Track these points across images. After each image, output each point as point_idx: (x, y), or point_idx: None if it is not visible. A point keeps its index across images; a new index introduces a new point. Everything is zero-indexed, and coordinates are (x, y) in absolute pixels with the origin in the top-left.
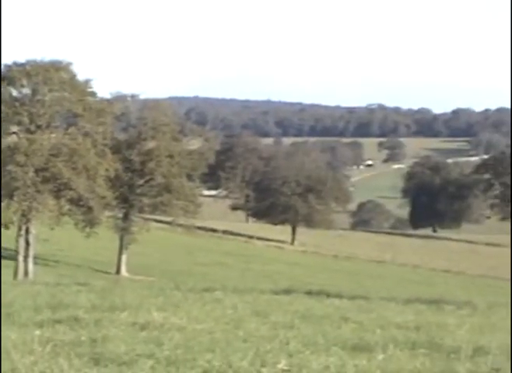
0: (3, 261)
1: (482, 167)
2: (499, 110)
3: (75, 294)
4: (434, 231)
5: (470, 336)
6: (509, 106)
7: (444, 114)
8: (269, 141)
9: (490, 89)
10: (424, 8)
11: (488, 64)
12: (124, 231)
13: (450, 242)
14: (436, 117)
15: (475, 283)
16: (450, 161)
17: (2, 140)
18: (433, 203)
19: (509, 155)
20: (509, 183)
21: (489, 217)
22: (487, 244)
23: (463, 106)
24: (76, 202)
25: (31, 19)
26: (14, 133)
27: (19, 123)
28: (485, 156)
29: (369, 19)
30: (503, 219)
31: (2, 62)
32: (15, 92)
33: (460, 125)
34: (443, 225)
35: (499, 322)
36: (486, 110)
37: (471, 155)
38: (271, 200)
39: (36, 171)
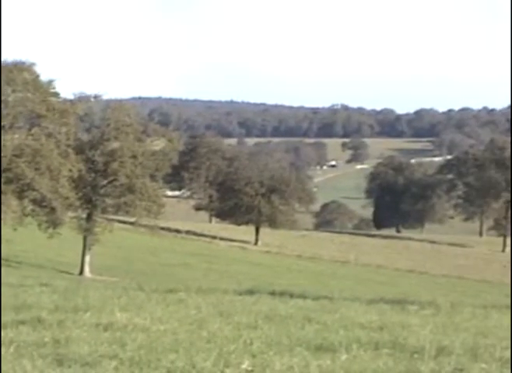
0: None
1: (445, 167)
2: (463, 111)
3: (38, 295)
4: (398, 231)
5: (433, 336)
6: (472, 107)
7: (407, 114)
8: (233, 141)
9: (453, 90)
10: (386, 7)
11: (451, 64)
12: (87, 231)
13: (413, 242)
14: (399, 118)
15: (439, 283)
16: (413, 161)
17: None
18: (396, 203)
19: (472, 156)
20: (472, 182)
21: (452, 218)
22: (450, 244)
23: (426, 106)
24: (39, 203)
25: None
26: None
27: None
28: (449, 156)
29: (331, 18)
30: (467, 219)
31: None
32: None
33: (423, 125)
34: (407, 225)
35: (462, 322)
36: (449, 111)
37: (435, 156)
38: (235, 201)
39: None
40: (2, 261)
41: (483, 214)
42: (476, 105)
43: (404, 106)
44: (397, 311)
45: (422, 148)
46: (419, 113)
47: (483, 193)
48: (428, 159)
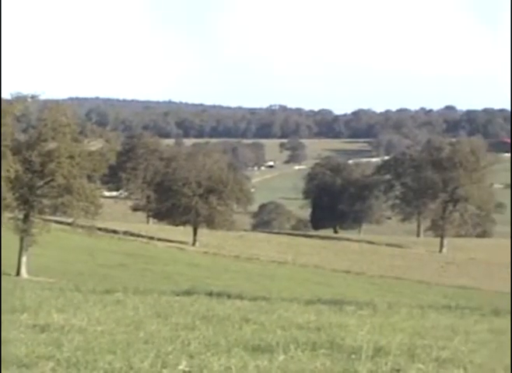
0: None
1: (382, 168)
2: (400, 111)
3: None
4: (335, 231)
5: (370, 336)
6: (409, 107)
7: (345, 115)
8: (170, 141)
9: (391, 90)
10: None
11: (388, 64)
12: (24, 232)
13: (351, 243)
14: (337, 118)
15: (376, 283)
16: (351, 162)
17: None
18: (334, 204)
19: (409, 157)
20: (409, 183)
21: (389, 218)
22: (388, 244)
23: (364, 107)
24: None
25: None
26: None
27: None
28: (386, 157)
29: (264, 17)
30: (404, 220)
31: None
32: None
33: (361, 126)
34: (345, 226)
35: (399, 322)
36: (387, 111)
37: (372, 156)
38: (172, 201)
39: None
40: None
41: (420, 215)
42: (413, 106)
43: (342, 106)
44: (334, 312)
45: (359, 148)
46: (357, 114)
47: (420, 193)
48: (365, 160)
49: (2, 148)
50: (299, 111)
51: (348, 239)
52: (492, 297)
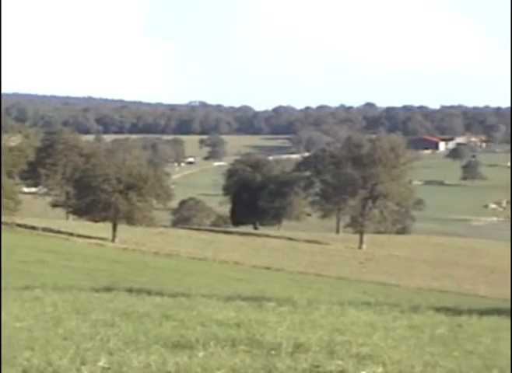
0: None
1: (302, 164)
2: (320, 108)
3: None
4: (255, 228)
5: (290, 332)
6: (329, 104)
7: (265, 112)
8: (90, 138)
9: (311, 88)
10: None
11: (307, 62)
12: None
13: (270, 239)
14: (257, 115)
15: (296, 280)
16: (271, 158)
17: None
18: (253, 200)
19: (328, 153)
20: (329, 180)
21: (309, 215)
22: (307, 241)
23: (284, 103)
24: None
25: None
26: None
27: None
28: (306, 154)
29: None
30: (324, 216)
31: None
32: None
33: (281, 123)
34: (264, 222)
35: (319, 318)
36: (307, 108)
37: (292, 153)
38: (92, 198)
39: None
40: None
41: (340, 212)
42: (333, 103)
43: (262, 103)
44: (254, 308)
45: (279, 145)
46: (277, 111)
47: (340, 190)
48: (285, 156)
49: None
50: (219, 107)
51: (268, 236)
52: (411, 293)
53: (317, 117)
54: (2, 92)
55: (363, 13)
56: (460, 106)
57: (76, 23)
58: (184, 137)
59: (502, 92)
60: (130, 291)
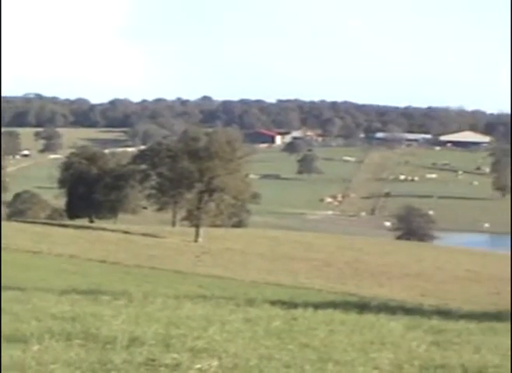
0: None
1: (138, 157)
2: (156, 101)
3: None
4: (91, 221)
5: (126, 326)
6: (166, 97)
7: (101, 104)
8: None
9: (147, 81)
10: None
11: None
12: None
13: (106, 233)
14: (93, 107)
15: (131, 273)
16: (107, 151)
17: None
18: (89, 193)
19: (165, 146)
20: (165, 173)
21: (145, 208)
22: (143, 234)
23: (120, 96)
24: None
25: None
26: None
27: None
28: (142, 147)
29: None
30: (159, 209)
31: None
32: None
33: (117, 115)
34: (100, 216)
35: (154, 312)
36: (143, 101)
37: (129, 146)
38: None
39: None
40: None
41: (176, 205)
42: (170, 96)
43: (98, 96)
44: (89, 302)
45: (116, 138)
46: (113, 103)
47: (176, 183)
48: (121, 149)
49: None
50: (54, 100)
51: (103, 229)
52: (246, 287)
53: (153, 110)
54: None
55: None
56: (296, 100)
57: None
58: (19, 130)
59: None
60: None
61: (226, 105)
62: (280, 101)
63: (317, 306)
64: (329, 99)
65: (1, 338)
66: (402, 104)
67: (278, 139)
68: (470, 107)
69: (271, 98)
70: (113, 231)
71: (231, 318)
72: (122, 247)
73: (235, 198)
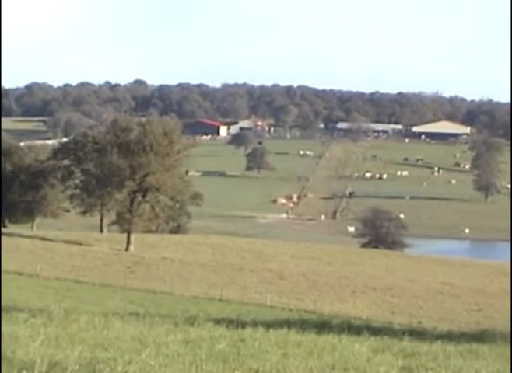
0: None
1: (60, 151)
2: (81, 86)
3: None
4: (4, 226)
5: (45, 349)
6: (92, 81)
7: (17, 89)
8: None
9: (70, 62)
10: None
11: (65, 33)
12: None
13: (22, 239)
14: (7, 93)
15: (51, 287)
16: (23, 144)
17: None
18: (3, 193)
19: (91, 138)
20: (92, 169)
21: (68, 211)
22: (66, 241)
23: (38, 80)
24: None
25: None
26: None
27: None
28: (65, 139)
29: None
30: (85, 212)
31: None
32: None
33: (35, 102)
34: (15, 220)
35: (78, 332)
36: (66, 86)
37: (48, 138)
38: None
39: None
40: None
41: (104, 207)
42: (96, 80)
43: (13, 80)
44: (3, 321)
45: (33, 128)
46: (30, 88)
47: (104, 182)
48: (40, 142)
49: None
50: None
51: (19, 235)
52: (186, 303)
53: (77, 96)
54: None
55: None
56: (244, 85)
57: None
58: None
59: (293, 69)
60: None
61: (163, 90)
62: (226, 85)
63: (268, 325)
64: (283, 83)
65: None
66: (368, 89)
67: (224, 130)
68: (447, 93)
69: (215, 82)
70: (30, 237)
71: (168, 339)
72: (41, 256)
73: (172, 199)
